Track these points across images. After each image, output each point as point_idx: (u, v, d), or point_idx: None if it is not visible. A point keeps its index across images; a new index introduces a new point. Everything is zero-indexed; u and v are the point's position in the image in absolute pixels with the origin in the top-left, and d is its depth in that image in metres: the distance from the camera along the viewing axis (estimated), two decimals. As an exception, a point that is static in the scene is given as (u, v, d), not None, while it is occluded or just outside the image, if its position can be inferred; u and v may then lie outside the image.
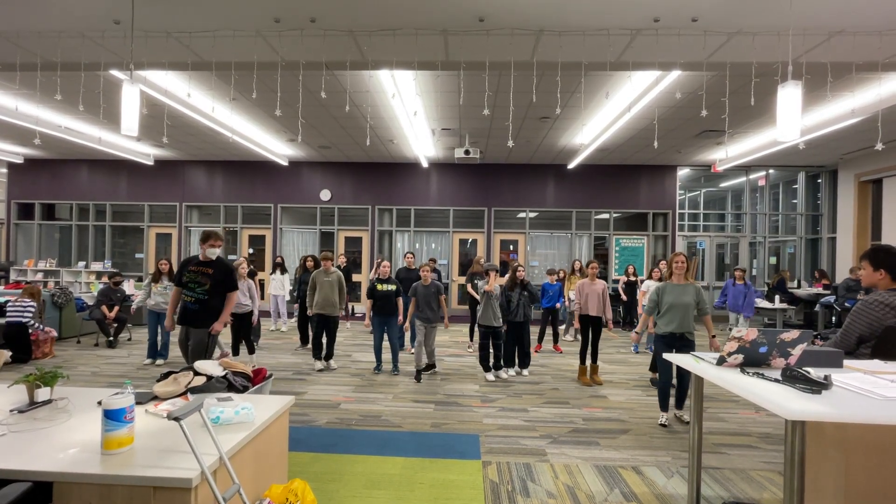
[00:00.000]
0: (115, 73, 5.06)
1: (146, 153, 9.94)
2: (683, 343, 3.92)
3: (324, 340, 5.71)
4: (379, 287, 5.46)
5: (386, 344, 5.62)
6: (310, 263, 7.28)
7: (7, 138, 8.76)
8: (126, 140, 8.88)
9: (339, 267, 7.46)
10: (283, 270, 8.41)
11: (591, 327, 5.32)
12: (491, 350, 5.36)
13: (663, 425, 3.94)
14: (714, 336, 3.99)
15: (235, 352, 5.84)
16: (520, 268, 5.56)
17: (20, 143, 9.21)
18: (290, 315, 9.23)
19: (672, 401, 4.10)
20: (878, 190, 8.89)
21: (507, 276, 5.73)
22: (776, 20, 3.82)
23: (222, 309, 3.88)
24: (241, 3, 3.80)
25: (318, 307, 5.54)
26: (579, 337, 5.57)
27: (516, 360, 5.57)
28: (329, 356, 5.71)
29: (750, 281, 7.32)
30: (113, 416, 1.65)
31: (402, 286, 5.70)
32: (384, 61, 4.68)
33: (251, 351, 5.82)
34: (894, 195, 8.42)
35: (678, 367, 3.75)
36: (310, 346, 6.28)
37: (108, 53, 4.59)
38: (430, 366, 5.44)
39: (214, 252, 3.90)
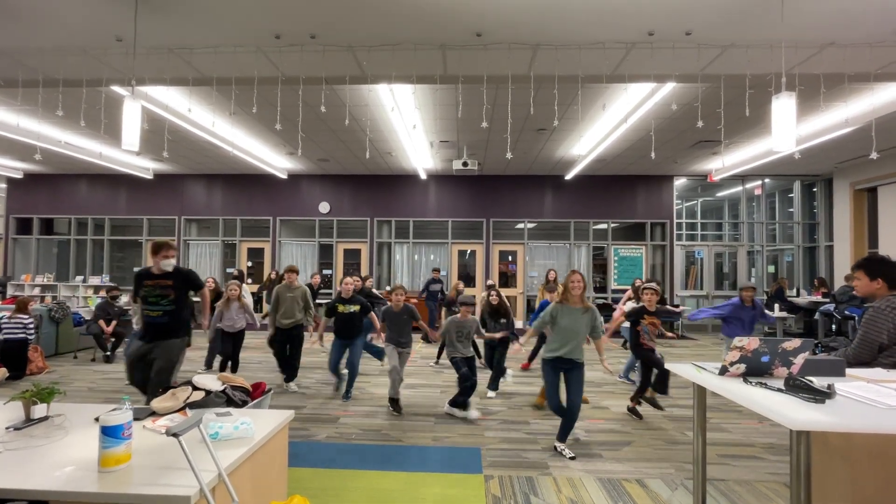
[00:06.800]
0: (116, 88, 5.12)
1: (146, 167, 9.99)
2: (571, 366, 3.57)
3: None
4: (340, 308, 4.86)
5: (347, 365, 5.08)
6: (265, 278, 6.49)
7: (7, 154, 8.81)
8: (126, 154, 8.93)
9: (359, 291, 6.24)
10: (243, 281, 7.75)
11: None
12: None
13: (557, 450, 3.53)
14: (604, 359, 3.75)
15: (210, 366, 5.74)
16: (492, 293, 5.12)
17: (20, 159, 9.25)
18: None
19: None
20: (873, 198, 8.95)
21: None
22: (768, 33, 3.89)
23: (191, 318, 3.82)
24: (242, 20, 3.86)
25: (280, 322, 5.11)
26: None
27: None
28: (291, 377, 5.18)
29: (759, 300, 5.42)
30: (110, 433, 1.63)
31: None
32: (383, 76, 4.74)
33: (235, 370, 5.54)
34: (889, 203, 8.48)
35: (573, 394, 3.53)
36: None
37: (110, 69, 4.64)
38: (394, 400, 4.51)
39: (170, 263, 3.59)
